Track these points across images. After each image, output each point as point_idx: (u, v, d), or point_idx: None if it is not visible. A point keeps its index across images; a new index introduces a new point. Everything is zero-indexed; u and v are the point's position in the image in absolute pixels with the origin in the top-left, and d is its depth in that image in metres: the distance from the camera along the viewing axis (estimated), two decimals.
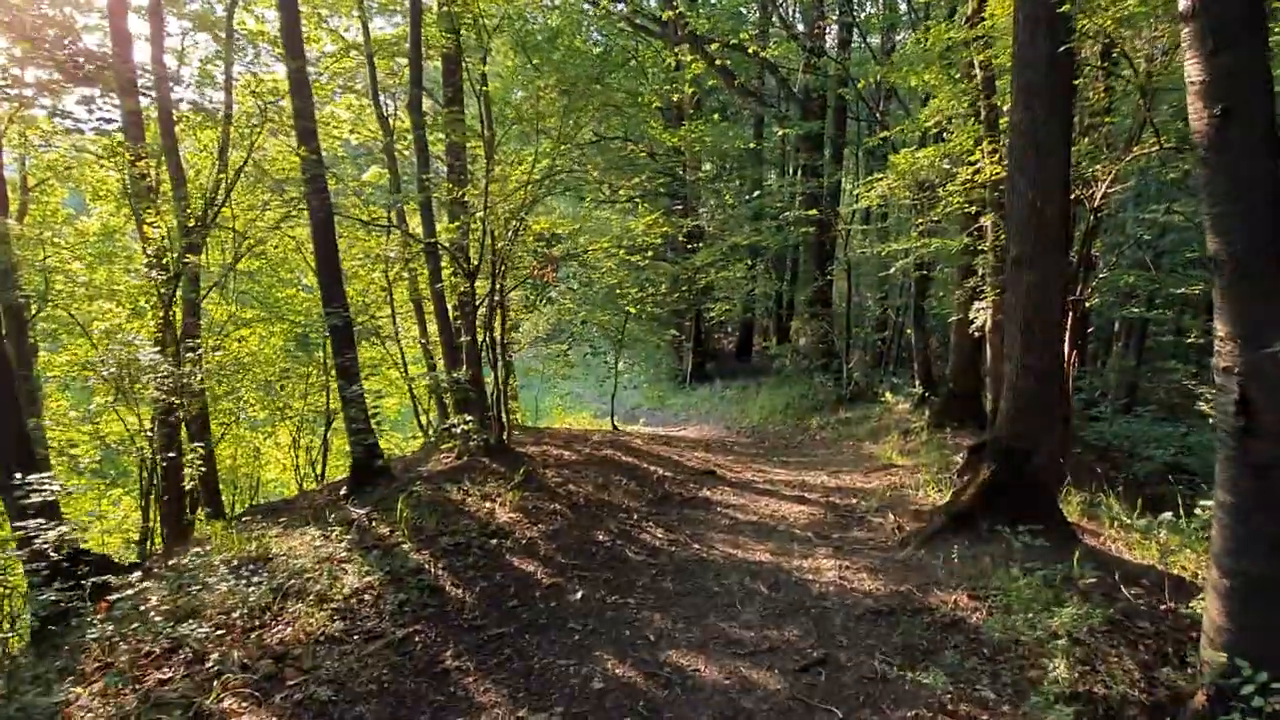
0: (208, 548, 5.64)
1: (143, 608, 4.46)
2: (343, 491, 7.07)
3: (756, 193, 17.85)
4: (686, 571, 5.38)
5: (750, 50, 14.49)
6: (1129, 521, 6.41)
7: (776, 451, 12.19)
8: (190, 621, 4.35)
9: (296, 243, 12.44)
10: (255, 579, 4.97)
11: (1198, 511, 5.22)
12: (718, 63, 14.53)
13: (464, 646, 4.28)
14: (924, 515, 6.31)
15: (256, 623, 4.53)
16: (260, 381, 14.09)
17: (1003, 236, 8.47)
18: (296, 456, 13.92)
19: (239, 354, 13.28)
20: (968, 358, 11.84)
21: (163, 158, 9.30)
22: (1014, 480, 5.60)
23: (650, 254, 10.69)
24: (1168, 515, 5.57)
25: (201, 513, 9.34)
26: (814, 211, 14.15)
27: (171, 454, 8.22)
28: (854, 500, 7.29)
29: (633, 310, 10.73)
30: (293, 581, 4.95)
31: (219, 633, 4.31)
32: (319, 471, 12.98)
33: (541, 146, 7.40)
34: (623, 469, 7.98)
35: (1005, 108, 8.64)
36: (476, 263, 7.37)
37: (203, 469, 8.35)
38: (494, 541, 5.72)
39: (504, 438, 8.03)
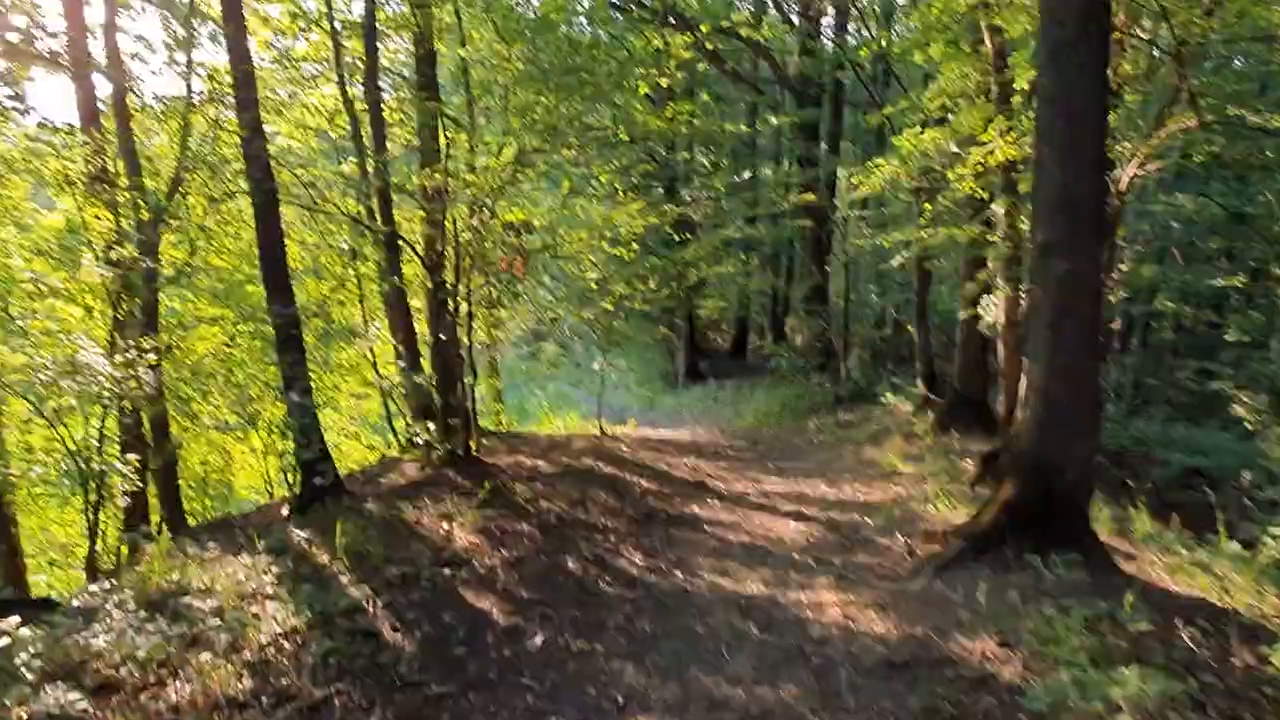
0: (117, 580, 4.91)
1: (14, 662, 3.73)
2: (285, 512, 6.32)
3: (748, 173, 17.10)
4: (667, 608, 4.65)
5: (743, 34, 13.78)
6: (1168, 542, 5.71)
7: (772, 456, 11.47)
8: (65, 683, 3.61)
9: None
10: (160, 622, 4.24)
11: (1269, 541, 4.51)
12: (708, 46, 13.80)
13: (393, 713, 3.54)
14: (937, 536, 5.60)
15: (151, 679, 3.79)
16: (232, 383, 13.41)
17: (1019, 223, 7.77)
18: (267, 464, 13.19)
19: (202, 354, 12.57)
20: (974, 357, 11.13)
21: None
22: (1042, 499, 4.89)
23: (635, 247, 9.96)
24: (1234, 546, 4.85)
25: (155, 527, 8.64)
26: (811, 196, 13.40)
27: (131, 462, 7.49)
28: (857, 516, 6.57)
29: (608, 307, 9.98)
30: (202, 626, 4.22)
31: (100, 694, 3.58)
32: (291, 480, 12.22)
33: (512, 124, 6.66)
34: (603, 481, 7.26)
35: (1019, 85, 7.95)
36: (439, 256, 6.63)
37: (138, 479, 7.59)
38: (447, 571, 4.99)
39: (471, 448, 7.30)
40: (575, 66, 6.91)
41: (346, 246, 10.05)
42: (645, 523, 6.25)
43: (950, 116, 9.02)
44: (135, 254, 8.21)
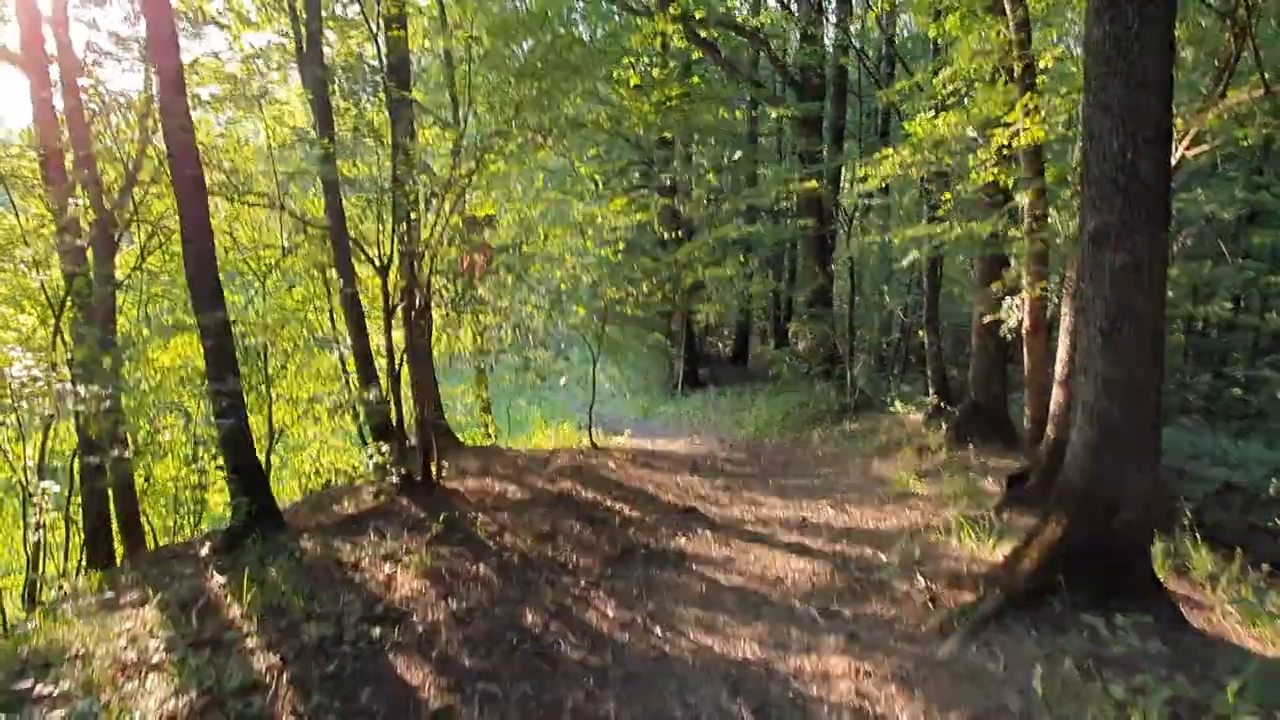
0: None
1: None
2: (205, 551, 5.46)
3: (739, 153, 16.19)
4: (639, 680, 3.79)
5: (741, 21, 12.97)
6: (1233, 580, 4.83)
7: (773, 472, 10.61)
8: None
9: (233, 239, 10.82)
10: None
11: None
12: (703, 35, 13.01)
13: None
14: (965, 580, 4.73)
15: None
16: (198, 395, 12.65)
17: (1049, 215, 6.92)
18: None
19: (167, 365, 11.80)
20: (991, 363, 10.28)
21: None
22: (1097, 541, 4.03)
23: (621, 246, 9.13)
24: None
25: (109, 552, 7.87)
26: (814, 185, 12.54)
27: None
28: (868, 550, 5.70)
29: (580, 310, 9.13)
30: (61, 711, 3.38)
31: None
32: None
33: (474, 101, 5.84)
34: (580, 509, 6.40)
35: (1044, 63, 7.11)
36: (389, 255, 5.80)
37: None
38: (378, 630, 4.14)
39: (433, 471, 6.45)
40: (552, 53, 6.15)
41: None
42: (623, 561, 5.38)
43: (967, 99, 8.17)
44: (75, 256, 7.44)
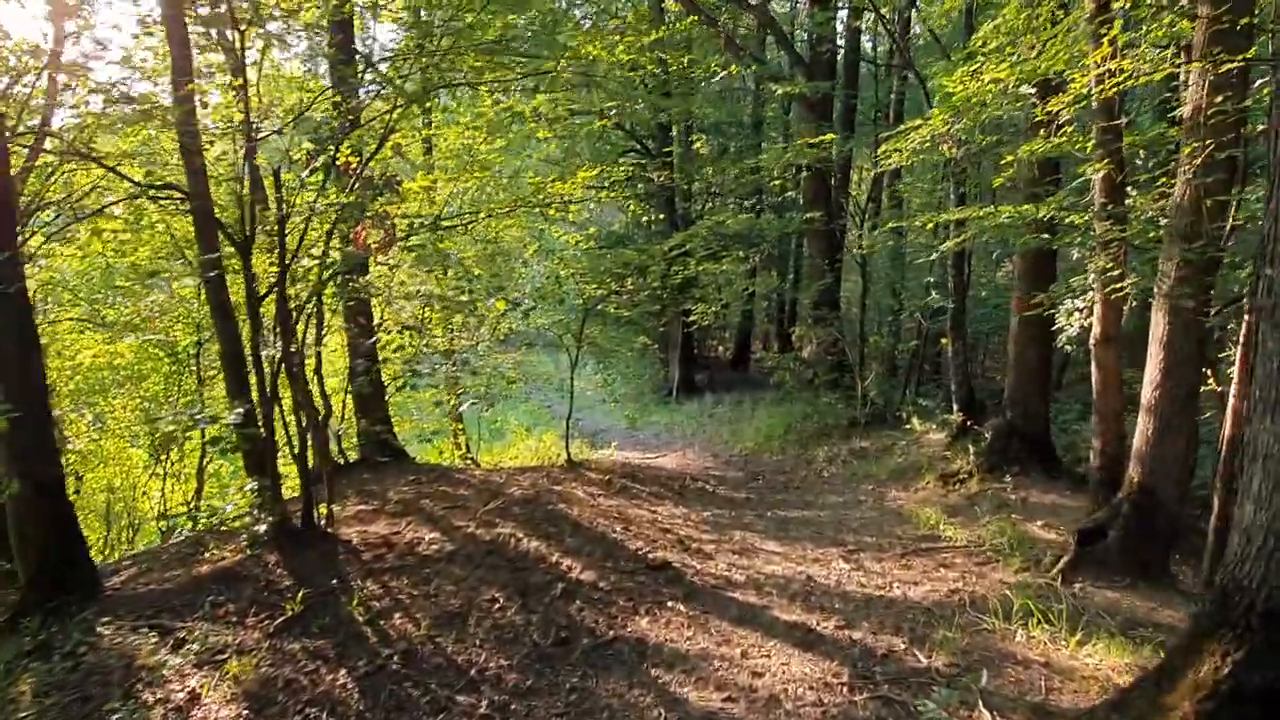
0: None
1: None
2: None
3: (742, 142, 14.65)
4: None
5: None
6: None
7: (772, 500, 9.06)
8: None
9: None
10: None
11: None
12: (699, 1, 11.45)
13: None
14: (1054, 715, 3.15)
15: None
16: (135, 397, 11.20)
17: (1131, 192, 5.32)
18: (186, 488, 10.86)
19: (89, 364, 10.34)
20: (1032, 377, 8.69)
21: None
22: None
23: (594, 230, 7.57)
24: None
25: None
26: (820, 148, 10.97)
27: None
28: (899, 643, 4.11)
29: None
30: None
31: None
32: (194, 506, 9.82)
33: None
34: (514, 569, 4.82)
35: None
36: (249, 227, 4.24)
37: None
38: None
39: (319, 514, 4.89)
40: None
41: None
42: (555, 661, 3.80)
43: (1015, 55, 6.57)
44: None
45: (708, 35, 11.91)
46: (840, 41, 13.74)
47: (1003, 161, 6.25)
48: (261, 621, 3.77)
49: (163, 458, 9.98)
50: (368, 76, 5.04)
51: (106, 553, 10.71)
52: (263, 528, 4.49)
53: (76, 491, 10.65)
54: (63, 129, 4.53)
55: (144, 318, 7.57)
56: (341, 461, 8.29)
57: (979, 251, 11.77)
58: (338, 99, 4.42)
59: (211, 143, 4.74)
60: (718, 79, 14.61)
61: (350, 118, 4.35)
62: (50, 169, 4.48)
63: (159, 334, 8.70)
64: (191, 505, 7.80)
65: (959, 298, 10.30)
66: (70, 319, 9.86)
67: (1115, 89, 4.76)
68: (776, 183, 14.39)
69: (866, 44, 17.58)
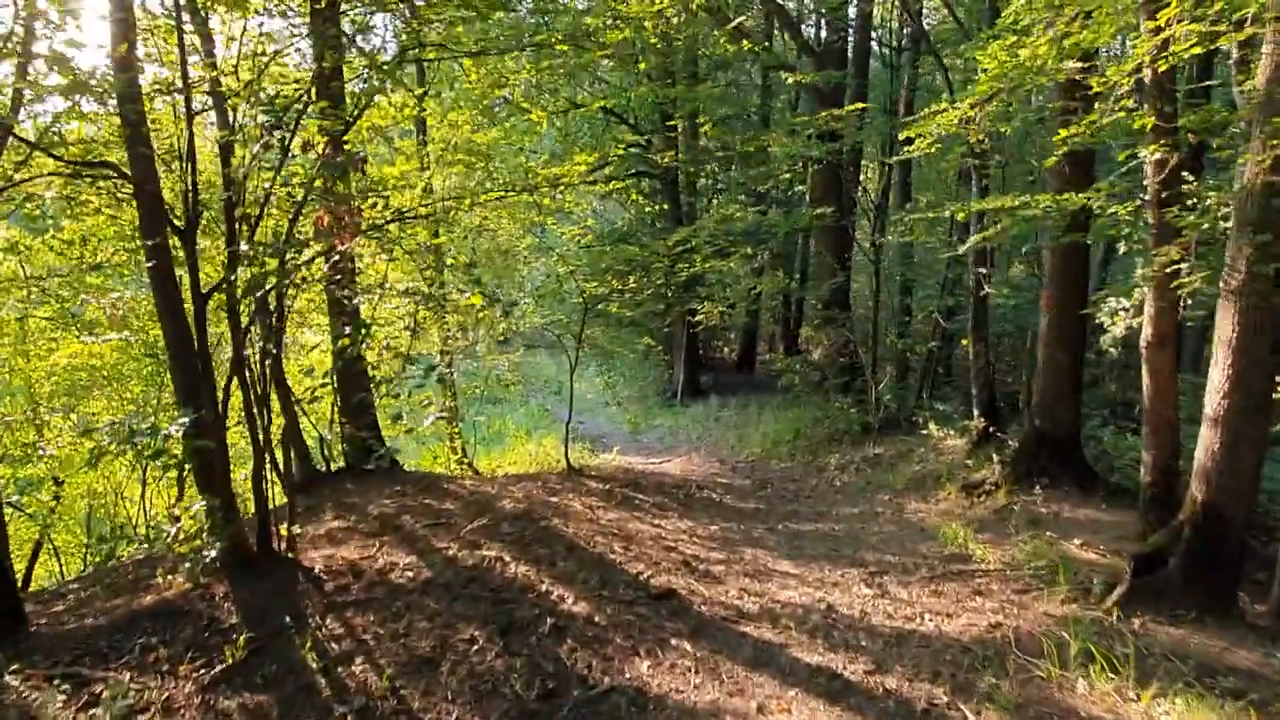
0: None
1: None
2: None
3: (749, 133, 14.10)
4: None
5: None
6: None
7: (782, 510, 8.52)
8: None
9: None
10: None
11: None
12: None
13: None
14: None
15: None
16: (119, 400, 10.71)
17: (1188, 184, 4.74)
18: (168, 494, 10.38)
19: (64, 366, 9.85)
20: (1062, 382, 8.10)
21: None
22: None
23: (592, 222, 7.02)
24: None
25: None
26: (835, 128, 10.38)
27: None
28: (939, 693, 3.54)
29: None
30: None
31: None
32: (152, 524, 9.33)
33: None
34: (497, 600, 4.26)
35: None
36: (191, 210, 3.69)
37: None
38: None
39: (277, 535, 4.33)
40: None
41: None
42: (537, 718, 3.24)
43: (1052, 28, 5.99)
44: None
45: (711, 21, 11.33)
46: (852, 28, 13.13)
47: (1055, 139, 5.64)
48: (196, 670, 3.22)
49: (139, 464, 9.47)
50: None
51: (88, 559, 10.23)
52: (211, 553, 3.94)
53: (56, 498, 10.18)
54: None
55: (109, 315, 7.01)
56: (323, 469, 7.78)
57: (1001, 248, 11.16)
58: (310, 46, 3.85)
59: (155, 120, 4.20)
60: (723, 75, 14.03)
61: (327, 70, 3.80)
62: None
63: (132, 332, 8.17)
64: (134, 524, 7.30)
65: (980, 298, 9.72)
66: (43, 318, 9.38)
67: (1174, 59, 4.18)
68: (786, 176, 13.80)
69: (874, 43, 17.06)
